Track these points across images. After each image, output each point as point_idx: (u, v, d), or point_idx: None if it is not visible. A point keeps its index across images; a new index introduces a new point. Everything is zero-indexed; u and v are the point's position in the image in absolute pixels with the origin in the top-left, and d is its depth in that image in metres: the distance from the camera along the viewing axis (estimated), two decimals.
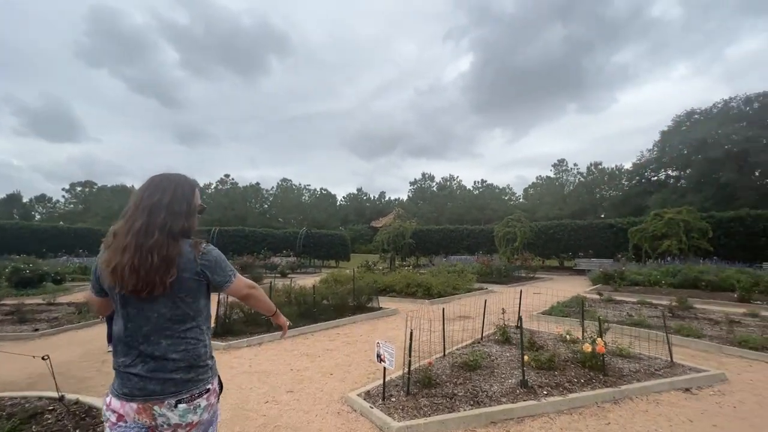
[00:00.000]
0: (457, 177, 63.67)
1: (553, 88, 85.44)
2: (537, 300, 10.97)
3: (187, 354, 1.35)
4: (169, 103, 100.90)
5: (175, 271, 1.30)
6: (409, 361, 3.47)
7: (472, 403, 3.32)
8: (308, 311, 7.01)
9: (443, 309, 5.09)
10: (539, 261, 21.32)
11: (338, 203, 69.30)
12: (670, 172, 32.30)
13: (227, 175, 60.70)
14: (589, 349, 3.88)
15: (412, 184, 64.25)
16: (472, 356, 4.10)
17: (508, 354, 4.62)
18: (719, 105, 28.03)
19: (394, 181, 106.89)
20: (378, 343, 3.43)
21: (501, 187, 63.39)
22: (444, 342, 4.67)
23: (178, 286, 1.32)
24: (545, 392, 3.53)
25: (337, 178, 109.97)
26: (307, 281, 11.97)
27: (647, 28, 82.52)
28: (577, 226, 21.77)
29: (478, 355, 4.15)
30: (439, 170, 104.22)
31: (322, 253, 26.26)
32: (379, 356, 3.41)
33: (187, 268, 1.34)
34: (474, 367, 4.01)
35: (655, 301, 9.55)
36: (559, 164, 52.30)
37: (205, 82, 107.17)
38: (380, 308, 8.28)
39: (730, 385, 4.03)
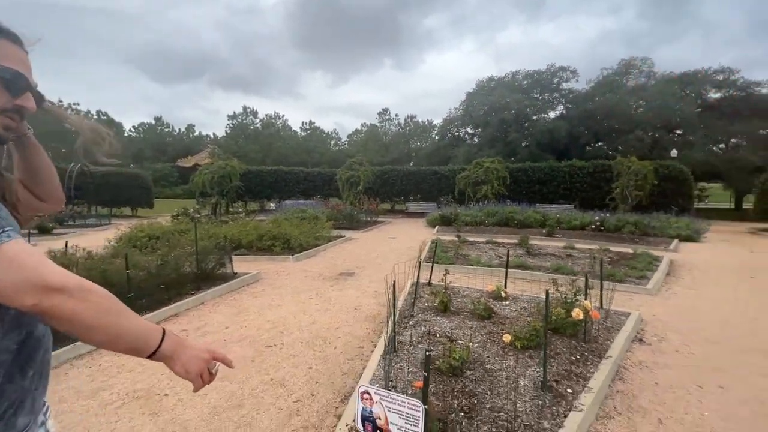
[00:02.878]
0: (283, 116, 58.91)
1: (372, 39, 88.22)
2: (399, 245, 10.61)
3: None
4: None
5: None
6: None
7: None
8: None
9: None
10: (378, 204, 21.79)
11: (126, 134, 53.96)
12: (469, 129, 38.15)
13: None
14: (581, 316, 3.09)
15: (230, 118, 55.62)
16: (451, 353, 2.69)
17: (468, 332, 3.45)
18: (509, 75, 34.27)
19: (200, 115, 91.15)
20: (364, 393, 1.56)
21: (327, 131, 62.64)
22: (394, 328, 3.09)
23: None
24: (569, 390, 2.53)
25: (123, 102, 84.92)
26: (92, 241, 7.90)
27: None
28: (408, 172, 23.07)
29: (458, 351, 2.75)
30: (258, 107, 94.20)
31: (111, 199, 19.44)
32: (371, 421, 1.57)
33: None
34: (460, 370, 2.65)
35: (499, 240, 10.50)
36: (383, 113, 55.03)
37: None
38: (235, 274, 5.89)
39: (653, 326, 4.10)
